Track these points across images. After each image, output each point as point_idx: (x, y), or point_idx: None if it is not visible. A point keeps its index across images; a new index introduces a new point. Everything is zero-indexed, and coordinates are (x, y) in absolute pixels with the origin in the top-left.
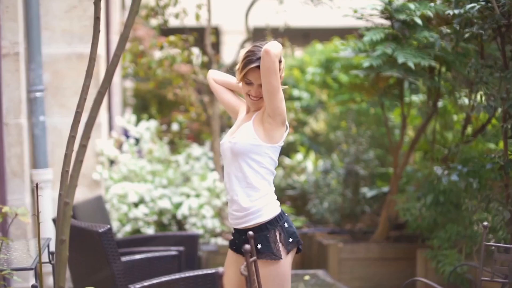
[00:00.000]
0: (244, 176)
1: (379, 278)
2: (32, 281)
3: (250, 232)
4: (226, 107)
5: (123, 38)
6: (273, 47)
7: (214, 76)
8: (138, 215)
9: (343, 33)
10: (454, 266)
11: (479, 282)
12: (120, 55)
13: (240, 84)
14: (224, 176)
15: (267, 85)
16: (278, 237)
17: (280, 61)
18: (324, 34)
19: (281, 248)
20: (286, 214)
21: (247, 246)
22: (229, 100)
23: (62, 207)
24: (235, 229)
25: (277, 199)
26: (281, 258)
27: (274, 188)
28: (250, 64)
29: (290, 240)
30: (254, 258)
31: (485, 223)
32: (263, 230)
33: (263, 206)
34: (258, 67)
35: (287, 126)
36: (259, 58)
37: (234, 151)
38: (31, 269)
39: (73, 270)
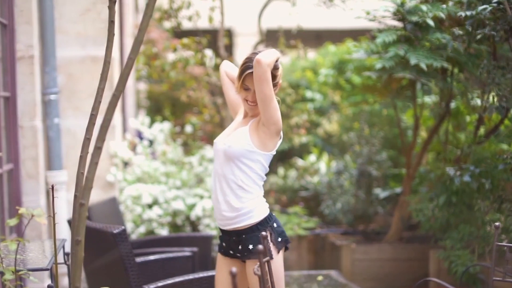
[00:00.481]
0: (236, 179)
1: (392, 278)
2: (47, 282)
3: (263, 233)
4: (229, 103)
5: (138, 42)
6: (265, 56)
7: (227, 69)
8: (152, 216)
9: (356, 34)
10: (466, 266)
11: (491, 282)
12: (135, 58)
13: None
14: (212, 175)
15: (259, 93)
16: (268, 237)
17: (277, 68)
18: (337, 36)
19: (272, 248)
20: (274, 215)
21: (260, 247)
22: (234, 97)
23: (77, 208)
24: (222, 231)
25: (291, 200)
26: (273, 257)
27: (263, 191)
28: (247, 70)
29: (279, 239)
30: (267, 258)
31: (497, 223)
32: (254, 231)
33: (254, 208)
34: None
35: (281, 136)
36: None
37: (227, 154)
38: (47, 269)
39: (88, 271)
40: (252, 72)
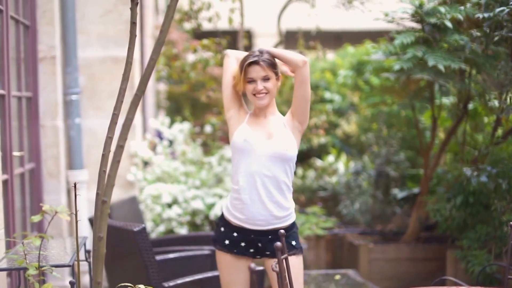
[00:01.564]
0: (286, 180)
1: (409, 278)
2: (68, 279)
3: (282, 230)
4: (225, 90)
5: (159, 43)
6: (300, 55)
7: (237, 54)
8: (171, 215)
9: (375, 36)
10: (483, 266)
11: (506, 281)
12: (156, 59)
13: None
14: (248, 176)
15: (305, 93)
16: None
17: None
18: (356, 37)
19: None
20: None
21: (279, 244)
22: (231, 88)
23: (99, 206)
24: (250, 230)
25: (309, 200)
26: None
27: None
28: (247, 61)
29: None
30: (286, 255)
31: (511, 223)
32: (293, 228)
33: (293, 205)
34: (256, 62)
35: None
36: (256, 56)
37: (284, 157)
38: (69, 265)
39: (108, 269)
40: (253, 62)
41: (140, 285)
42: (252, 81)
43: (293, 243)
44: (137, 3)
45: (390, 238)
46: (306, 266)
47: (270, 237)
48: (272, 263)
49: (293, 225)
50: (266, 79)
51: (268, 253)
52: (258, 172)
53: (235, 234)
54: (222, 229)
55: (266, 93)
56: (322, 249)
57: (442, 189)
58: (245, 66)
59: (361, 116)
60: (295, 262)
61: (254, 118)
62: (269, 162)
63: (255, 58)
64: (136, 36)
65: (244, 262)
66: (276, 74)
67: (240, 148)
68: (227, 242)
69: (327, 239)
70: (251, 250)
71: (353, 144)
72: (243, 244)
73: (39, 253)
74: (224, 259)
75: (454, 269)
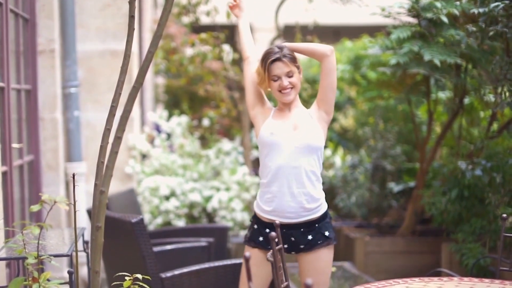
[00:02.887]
0: (315, 169)
1: (405, 271)
2: (66, 270)
3: (277, 221)
4: (248, 89)
5: (157, 36)
6: (325, 46)
7: (257, 56)
8: (169, 207)
9: (373, 30)
10: (484, 260)
11: (498, 272)
12: (154, 52)
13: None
14: (276, 171)
15: (333, 83)
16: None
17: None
18: (355, 32)
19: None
20: None
21: (273, 234)
22: (253, 87)
23: (98, 196)
24: (284, 225)
25: None
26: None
27: None
28: (270, 58)
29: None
30: (280, 246)
31: (504, 215)
32: (325, 218)
33: (323, 195)
34: (279, 59)
35: None
36: (277, 52)
37: (311, 147)
38: (67, 255)
39: (106, 260)
40: (276, 59)
41: (137, 275)
42: (277, 78)
43: (326, 233)
44: None
45: (386, 231)
46: None
47: (302, 230)
48: (305, 257)
49: (325, 215)
50: (290, 75)
51: (302, 247)
52: (286, 164)
53: (267, 230)
54: (256, 226)
55: (292, 88)
56: None
57: (437, 183)
58: (268, 64)
59: (359, 111)
60: (326, 254)
61: (279, 113)
62: (297, 154)
63: (277, 55)
64: (134, 29)
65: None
66: (298, 67)
67: (268, 141)
68: (261, 239)
69: None
70: (285, 246)
71: (350, 138)
72: (292, 238)
73: (38, 242)
74: (255, 255)
75: (449, 262)
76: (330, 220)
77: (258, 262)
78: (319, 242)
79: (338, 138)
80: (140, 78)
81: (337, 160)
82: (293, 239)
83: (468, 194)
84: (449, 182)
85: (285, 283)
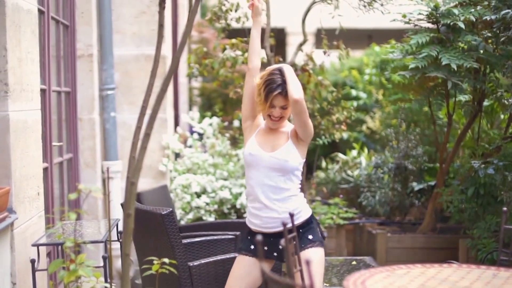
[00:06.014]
0: (291, 186)
1: None
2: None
3: (290, 212)
4: (245, 101)
5: (182, 44)
6: (298, 91)
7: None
8: (200, 204)
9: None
10: (493, 254)
11: (498, 261)
12: (179, 57)
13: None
14: (253, 184)
15: (302, 124)
16: (318, 228)
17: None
18: (387, 36)
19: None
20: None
21: (259, 237)
22: (250, 101)
23: (129, 187)
24: (267, 234)
25: (332, 192)
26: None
27: None
28: (272, 92)
29: (322, 229)
30: (294, 234)
31: (504, 208)
32: (311, 223)
33: (302, 205)
34: (280, 93)
35: None
36: (279, 85)
37: (285, 168)
38: (101, 241)
39: (139, 249)
40: (276, 94)
41: (164, 259)
42: (273, 106)
43: (310, 237)
44: (164, 7)
45: (408, 228)
46: (327, 254)
47: (279, 238)
48: (270, 265)
49: (310, 220)
50: (285, 107)
51: (275, 255)
52: (263, 183)
53: (259, 238)
54: (249, 237)
55: (281, 118)
56: (343, 238)
57: (456, 182)
58: (270, 98)
59: (385, 113)
60: (312, 254)
61: (263, 132)
62: (272, 173)
63: (279, 90)
64: (163, 37)
65: (265, 264)
66: None
67: (247, 161)
68: (252, 247)
69: (347, 229)
70: (275, 254)
71: (377, 139)
72: (266, 248)
73: (74, 227)
74: (246, 262)
75: (465, 258)
76: (317, 225)
77: (249, 269)
78: (302, 245)
79: (366, 139)
80: (167, 80)
81: (363, 160)
82: (280, 247)
83: (484, 192)
84: (466, 181)
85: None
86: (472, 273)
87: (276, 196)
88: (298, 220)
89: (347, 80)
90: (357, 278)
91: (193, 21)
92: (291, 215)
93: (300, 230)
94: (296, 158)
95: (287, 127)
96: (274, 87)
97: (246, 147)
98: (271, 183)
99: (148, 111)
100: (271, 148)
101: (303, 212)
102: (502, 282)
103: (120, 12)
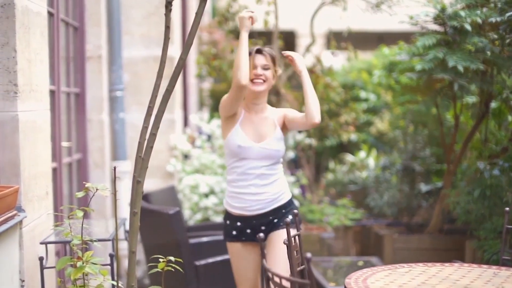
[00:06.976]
0: (275, 171)
1: None
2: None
3: (296, 211)
4: (235, 104)
5: (187, 45)
6: (319, 114)
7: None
8: (208, 204)
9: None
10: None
11: (501, 261)
12: (185, 59)
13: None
14: (241, 173)
15: (294, 130)
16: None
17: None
18: (397, 38)
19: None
20: None
21: (261, 235)
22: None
23: (135, 185)
24: (252, 217)
25: (340, 193)
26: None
27: None
28: (251, 53)
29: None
30: (298, 232)
31: (507, 208)
32: (290, 204)
33: (285, 187)
34: (260, 51)
35: None
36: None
37: (274, 157)
38: (108, 240)
39: (147, 247)
40: (258, 51)
41: (170, 257)
42: (254, 67)
43: (290, 217)
44: (171, 10)
45: (415, 229)
46: (334, 255)
47: (271, 218)
48: (269, 237)
49: (290, 202)
50: (266, 67)
51: (266, 228)
52: (250, 169)
53: (238, 223)
54: (228, 222)
55: (264, 81)
56: (350, 239)
57: (463, 183)
58: (253, 52)
59: (393, 114)
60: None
61: (247, 119)
62: (261, 162)
63: (261, 48)
64: (169, 38)
65: (252, 248)
66: (276, 71)
67: (235, 152)
68: (234, 232)
69: (355, 230)
70: (261, 235)
71: (386, 141)
72: (248, 231)
73: (82, 224)
74: (236, 248)
75: (472, 259)
76: (294, 208)
77: (242, 254)
78: (281, 224)
79: (375, 141)
80: (172, 81)
81: (371, 162)
82: (263, 228)
83: (490, 193)
84: (473, 182)
85: (302, 267)
86: (473, 272)
87: (264, 182)
88: (282, 201)
89: (356, 82)
90: (359, 276)
91: (199, 23)
92: (294, 215)
93: (283, 211)
94: (283, 145)
95: (269, 111)
96: (253, 48)
97: (231, 136)
98: (260, 171)
99: (155, 112)
100: (260, 137)
101: (285, 194)
102: (502, 280)
103: (129, 14)
